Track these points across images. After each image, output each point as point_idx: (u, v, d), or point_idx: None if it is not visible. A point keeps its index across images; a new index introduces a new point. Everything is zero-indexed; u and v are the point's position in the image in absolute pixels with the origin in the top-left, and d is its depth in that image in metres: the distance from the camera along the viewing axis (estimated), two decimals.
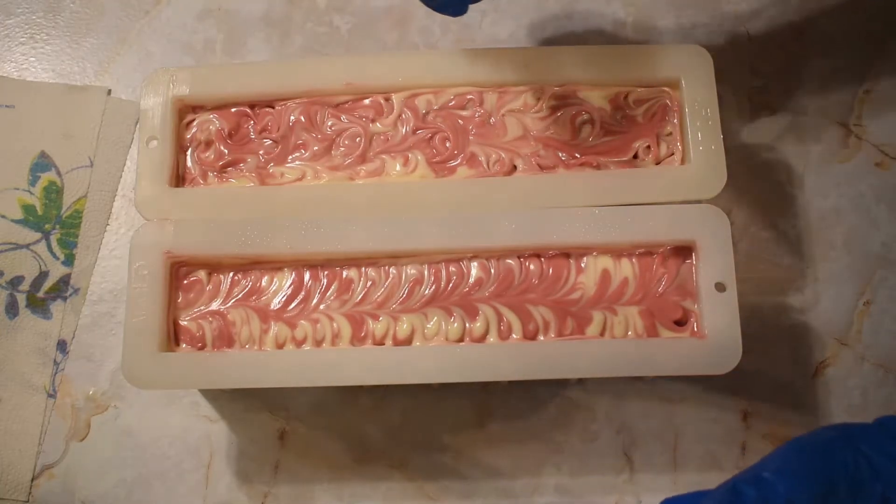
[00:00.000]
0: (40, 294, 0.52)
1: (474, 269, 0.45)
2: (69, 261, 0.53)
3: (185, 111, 0.48)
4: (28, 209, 0.54)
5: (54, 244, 0.53)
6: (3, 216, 0.53)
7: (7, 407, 0.50)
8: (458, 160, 0.46)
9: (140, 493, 0.49)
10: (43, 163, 0.54)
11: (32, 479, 0.49)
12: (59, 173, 0.54)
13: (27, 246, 0.53)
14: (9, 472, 0.49)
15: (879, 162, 0.53)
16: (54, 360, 0.51)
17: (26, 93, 0.56)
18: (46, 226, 0.53)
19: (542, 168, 0.46)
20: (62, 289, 0.52)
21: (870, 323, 0.50)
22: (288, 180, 0.47)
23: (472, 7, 0.43)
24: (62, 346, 0.51)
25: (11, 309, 0.52)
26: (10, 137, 0.55)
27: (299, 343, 0.44)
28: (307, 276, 0.45)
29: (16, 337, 0.51)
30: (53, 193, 0.54)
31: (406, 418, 0.50)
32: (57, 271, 0.53)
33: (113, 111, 0.55)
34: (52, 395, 0.51)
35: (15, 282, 0.52)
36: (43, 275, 0.52)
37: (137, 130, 0.54)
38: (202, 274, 0.45)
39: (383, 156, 0.47)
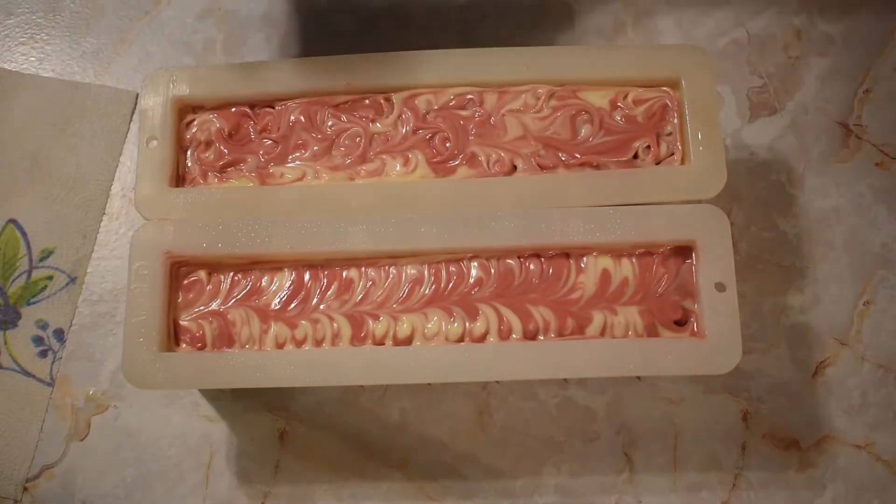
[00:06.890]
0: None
1: (474, 269, 0.45)
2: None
3: (185, 111, 0.48)
4: None
5: None
6: None
7: (5, 397, 0.50)
8: (458, 160, 0.46)
9: (140, 494, 0.49)
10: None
11: (32, 461, 0.49)
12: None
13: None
14: (8, 453, 0.50)
15: (879, 162, 0.53)
16: (52, 350, 0.51)
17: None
18: None
19: (542, 168, 0.46)
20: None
21: (870, 323, 0.50)
22: (288, 180, 0.47)
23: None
24: (59, 335, 0.51)
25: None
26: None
27: (299, 343, 0.44)
28: (307, 276, 0.45)
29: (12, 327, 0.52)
30: None
31: (406, 418, 0.50)
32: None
33: (107, 100, 0.55)
34: (49, 384, 0.51)
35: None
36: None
37: (132, 121, 0.55)
38: (202, 274, 0.45)
39: (383, 156, 0.47)
